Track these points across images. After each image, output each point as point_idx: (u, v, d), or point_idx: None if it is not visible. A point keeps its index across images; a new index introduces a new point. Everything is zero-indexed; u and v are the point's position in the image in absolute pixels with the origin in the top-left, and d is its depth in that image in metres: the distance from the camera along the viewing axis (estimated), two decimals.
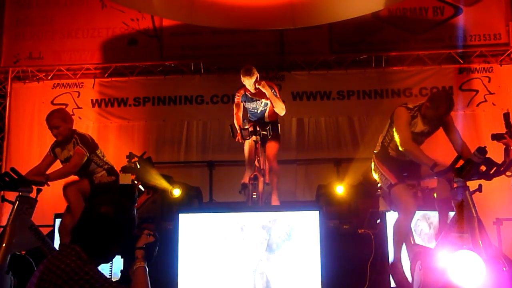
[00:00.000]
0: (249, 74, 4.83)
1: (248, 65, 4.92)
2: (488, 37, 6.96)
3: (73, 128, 4.35)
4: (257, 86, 4.88)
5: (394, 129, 3.74)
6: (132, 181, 4.59)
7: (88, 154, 4.24)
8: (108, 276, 2.10)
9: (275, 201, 5.03)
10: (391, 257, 3.73)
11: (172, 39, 7.27)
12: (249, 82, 4.87)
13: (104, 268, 2.19)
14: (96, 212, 2.12)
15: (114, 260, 2.37)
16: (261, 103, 5.07)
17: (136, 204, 5.00)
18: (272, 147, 5.07)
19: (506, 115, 3.43)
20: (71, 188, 4.19)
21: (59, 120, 4.21)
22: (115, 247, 2.15)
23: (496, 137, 3.79)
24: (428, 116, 3.67)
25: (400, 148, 3.65)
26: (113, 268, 3.70)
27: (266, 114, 5.17)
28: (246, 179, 4.92)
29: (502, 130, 3.92)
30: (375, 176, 3.99)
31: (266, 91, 4.88)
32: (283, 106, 5.04)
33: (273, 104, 4.99)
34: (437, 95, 3.72)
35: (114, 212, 2.12)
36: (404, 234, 3.65)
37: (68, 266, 1.96)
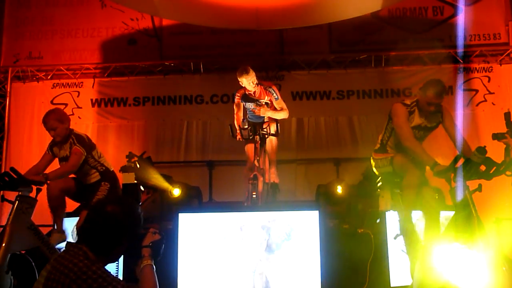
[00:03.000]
0: (245, 72, 4.87)
1: (243, 66, 4.98)
2: (488, 36, 6.96)
3: (71, 127, 4.35)
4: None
5: (392, 126, 3.75)
6: None
7: (85, 154, 4.23)
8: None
9: (274, 177, 5.05)
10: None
11: (172, 38, 7.26)
12: (246, 81, 4.90)
13: (110, 268, 2.19)
14: (102, 212, 2.12)
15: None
16: (262, 102, 5.07)
17: (140, 203, 5.02)
18: (271, 141, 5.09)
19: (507, 115, 3.43)
20: (56, 185, 4.17)
21: (55, 121, 4.21)
22: (121, 246, 2.15)
23: (497, 136, 3.79)
24: (422, 106, 3.68)
25: (403, 145, 3.66)
26: (119, 267, 3.72)
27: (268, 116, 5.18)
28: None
29: (502, 129, 3.91)
30: (375, 170, 4.00)
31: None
32: (285, 113, 5.12)
33: (274, 116, 5.08)
34: (425, 83, 3.74)
35: (120, 211, 2.13)
36: (412, 196, 3.60)
37: (76, 266, 1.96)
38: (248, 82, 4.90)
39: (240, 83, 4.97)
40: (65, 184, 4.29)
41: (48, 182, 4.01)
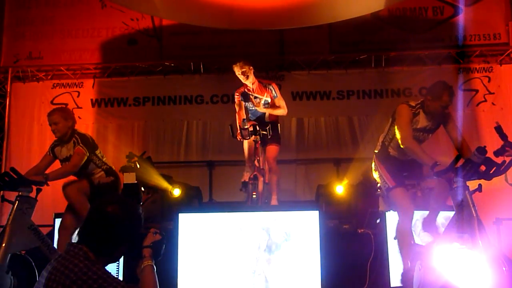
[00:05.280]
0: (235, 64, 4.92)
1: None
2: (488, 37, 6.96)
3: (75, 128, 4.36)
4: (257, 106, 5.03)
5: (395, 127, 3.74)
6: None
7: (88, 154, 4.24)
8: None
9: (274, 201, 5.04)
10: (400, 266, 3.69)
11: (172, 39, 7.26)
12: (236, 71, 4.93)
13: (111, 268, 2.19)
14: (102, 212, 2.11)
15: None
16: (262, 100, 5.07)
17: (141, 203, 5.02)
18: (272, 150, 5.09)
19: (498, 128, 3.39)
20: (71, 187, 4.18)
21: (59, 117, 4.23)
22: (122, 246, 2.14)
23: (499, 153, 3.76)
24: (431, 110, 3.66)
25: (401, 146, 3.65)
26: (120, 267, 3.73)
27: (267, 113, 5.18)
28: (245, 177, 4.93)
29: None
30: (375, 175, 3.99)
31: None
32: (283, 110, 5.12)
33: (272, 113, 5.10)
34: (435, 86, 3.70)
35: (120, 211, 2.11)
36: (407, 237, 3.64)
37: (76, 266, 1.96)
38: (238, 72, 4.92)
39: (238, 75, 4.99)
40: (79, 184, 4.27)
41: (63, 187, 4.00)
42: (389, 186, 3.74)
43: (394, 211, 3.84)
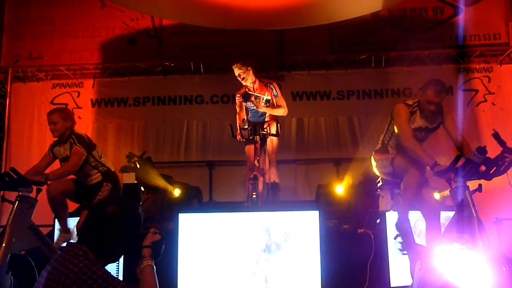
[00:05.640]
0: (234, 64, 4.91)
1: None
2: (488, 37, 6.97)
3: (74, 128, 4.36)
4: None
5: (394, 126, 3.75)
6: None
7: (86, 154, 4.23)
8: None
9: (273, 175, 5.05)
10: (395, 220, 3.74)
11: (172, 39, 7.26)
12: (237, 72, 4.94)
13: (110, 268, 2.19)
14: (102, 212, 2.11)
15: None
16: (263, 99, 5.07)
17: (141, 203, 5.02)
18: (271, 141, 5.10)
19: (495, 135, 3.41)
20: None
21: (58, 117, 4.24)
22: (121, 246, 2.15)
23: (498, 159, 3.77)
24: (423, 107, 3.67)
25: (403, 144, 3.65)
26: (120, 267, 3.73)
27: (268, 113, 5.19)
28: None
29: (502, 130, 3.91)
30: (376, 170, 3.99)
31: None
32: (284, 109, 5.11)
33: (272, 113, 5.10)
34: (425, 82, 3.72)
35: (120, 211, 2.12)
36: (410, 196, 3.60)
37: (76, 266, 1.96)
38: (237, 73, 4.93)
39: (237, 76, 5.00)
40: (64, 186, 4.29)
41: (48, 183, 4.02)
42: (391, 158, 3.75)
43: (395, 210, 3.84)
